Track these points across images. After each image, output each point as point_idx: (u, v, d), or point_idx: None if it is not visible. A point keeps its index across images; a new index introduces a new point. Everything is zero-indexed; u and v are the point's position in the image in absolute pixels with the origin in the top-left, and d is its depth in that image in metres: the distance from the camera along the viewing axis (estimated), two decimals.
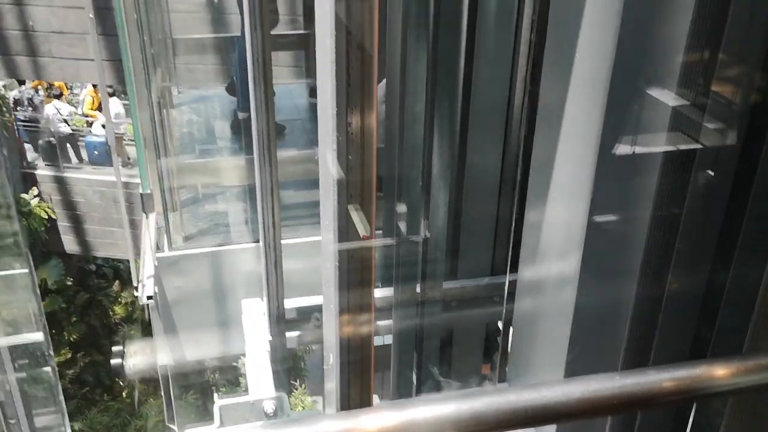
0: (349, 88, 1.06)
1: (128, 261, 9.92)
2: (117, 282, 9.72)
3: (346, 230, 1.47)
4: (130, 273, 10.76)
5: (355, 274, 1.50)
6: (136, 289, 2.88)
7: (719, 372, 0.77)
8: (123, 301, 9.50)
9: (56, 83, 9.60)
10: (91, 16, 2.57)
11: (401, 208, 2.11)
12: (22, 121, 9.26)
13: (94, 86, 9.57)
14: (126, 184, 7.99)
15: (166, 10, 4.14)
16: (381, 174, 2.10)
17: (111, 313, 9.33)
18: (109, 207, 8.58)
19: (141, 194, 3.35)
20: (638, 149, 1.40)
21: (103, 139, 8.76)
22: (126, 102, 9.13)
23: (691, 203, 1.25)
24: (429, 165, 2.00)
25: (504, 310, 1.97)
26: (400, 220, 2.11)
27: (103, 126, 9.20)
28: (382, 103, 2.13)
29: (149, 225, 3.27)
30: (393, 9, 1.89)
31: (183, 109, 4.52)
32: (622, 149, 1.41)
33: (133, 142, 8.59)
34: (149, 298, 2.83)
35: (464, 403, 0.71)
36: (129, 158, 8.86)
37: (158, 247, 3.16)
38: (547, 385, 0.75)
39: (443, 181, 2.03)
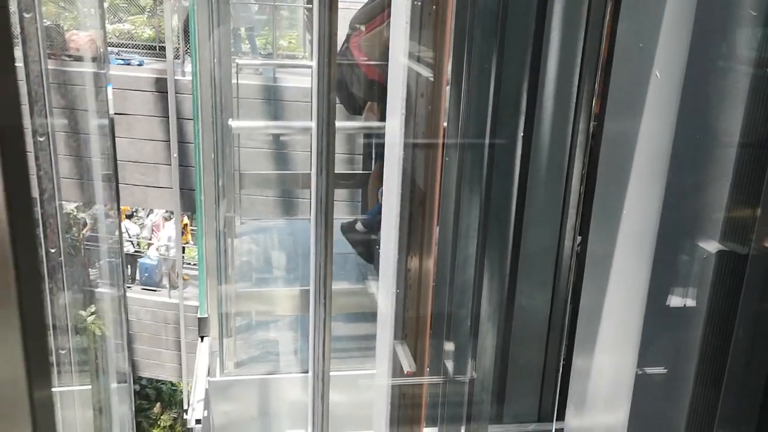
0: (411, 235, 1.15)
1: (171, 382, 9.94)
2: (158, 404, 9.69)
3: (397, 366, 1.50)
4: (171, 395, 10.68)
5: (404, 409, 1.52)
6: (186, 411, 2.93)
7: None
8: (162, 425, 9.42)
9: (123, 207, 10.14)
10: (175, 155, 2.82)
11: (449, 347, 2.14)
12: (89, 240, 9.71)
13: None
14: (177, 306, 8.20)
15: (237, 145, 4.46)
16: (431, 312, 2.15)
17: None
18: (159, 328, 8.74)
19: (198, 318, 3.48)
20: (687, 302, 1.42)
21: (155, 263, 9.08)
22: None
23: (734, 358, 1.26)
24: (478, 306, 2.05)
25: None
26: (447, 359, 2.14)
27: (157, 249, 9.58)
28: None
29: (203, 349, 3.36)
30: (450, 158, 2.03)
31: (244, 239, 4.76)
32: (670, 301, 1.44)
33: (186, 266, 8.90)
34: (198, 422, 2.87)
35: None
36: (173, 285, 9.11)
37: (209, 372, 3.24)
38: None
39: (491, 323, 2.07)
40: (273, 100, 7.50)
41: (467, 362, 2.08)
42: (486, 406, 2.10)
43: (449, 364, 2.13)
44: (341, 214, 5.29)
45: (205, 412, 2.97)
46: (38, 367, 0.45)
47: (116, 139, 8.15)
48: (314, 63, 1.80)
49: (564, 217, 2.06)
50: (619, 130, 1.53)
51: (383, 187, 1.50)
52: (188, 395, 2.97)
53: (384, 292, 1.71)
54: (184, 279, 9.08)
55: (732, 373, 1.28)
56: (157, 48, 9.82)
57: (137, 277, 9.50)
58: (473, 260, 2.01)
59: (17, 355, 0.43)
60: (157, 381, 9.52)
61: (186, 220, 9.21)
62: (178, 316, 8.01)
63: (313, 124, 1.75)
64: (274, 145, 6.81)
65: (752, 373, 1.28)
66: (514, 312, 2.14)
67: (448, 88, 1.91)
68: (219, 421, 3.19)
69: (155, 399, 9.76)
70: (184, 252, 9.26)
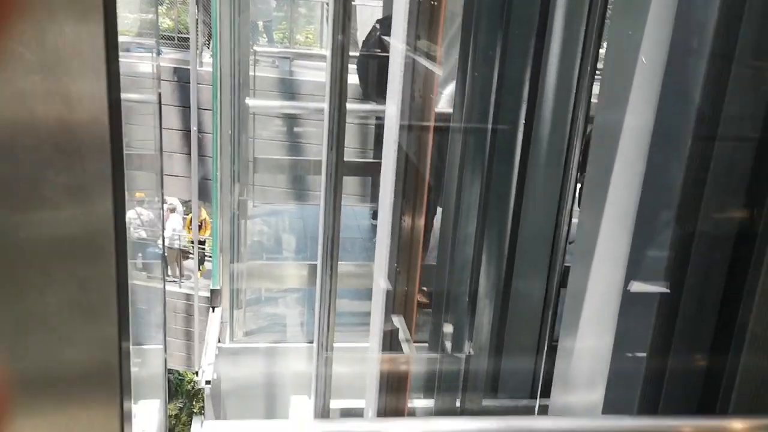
0: (403, 210, 1.25)
1: (178, 371, 10.06)
2: None
3: (389, 338, 1.61)
4: (178, 384, 10.74)
5: (393, 380, 1.61)
6: (196, 374, 3.14)
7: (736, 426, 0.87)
8: (168, 413, 9.54)
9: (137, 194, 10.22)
10: (194, 128, 2.94)
11: (447, 324, 2.24)
12: None
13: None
14: (187, 296, 8.32)
15: (253, 136, 4.62)
16: (431, 290, 2.26)
17: None
18: (168, 317, 8.85)
19: (211, 290, 3.69)
20: (662, 287, 1.52)
21: (159, 251, 9.18)
22: (186, 217, 9.73)
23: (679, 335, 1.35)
24: (476, 286, 2.15)
25: None
26: (446, 335, 2.24)
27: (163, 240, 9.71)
28: None
29: (215, 318, 3.55)
30: (453, 143, 2.13)
31: (256, 220, 5.04)
32: (645, 287, 1.53)
33: (192, 256, 9.02)
34: (207, 382, 3.06)
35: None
36: (182, 274, 9.19)
37: (219, 340, 3.44)
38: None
39: (488, 302, 2.17)
40: (288, 93, 7.64)
41: (464, 338, 2.18)
42: (480, 381, 2.20)
43: (447, 340, 2.23)
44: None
45: (215, 375, 3.16)
46: (124, 326, 0.59)
47: (130, 126, 8.24)
48: (328, 49, 1.92)
49: (562, 202, 2.14)
50: (608, 120, 1.63)
51: (381, 170, 1.60)
52: (199, 359, 3.14)
53: (379, 270, 1.82)
54: (200, 270, 9.18)
55: (678, 346, 1.39)
56: (176, 38, 9.93)
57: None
58: (472, 240, 2.11)
59: (113, 316, 0.57)
60: None
61: (204, 215, 9.33)
62: (186, 306, 8.13)
63: (326, 105, 1.86)
64: (287, 136, 6.96)
65: (718, 353, 1.39)
66: (511, 293, 2.23)
67: (442, 74, 2.02)
68: (227, 385, 3.38)
69: None
70: (204, 244, 9.37)
